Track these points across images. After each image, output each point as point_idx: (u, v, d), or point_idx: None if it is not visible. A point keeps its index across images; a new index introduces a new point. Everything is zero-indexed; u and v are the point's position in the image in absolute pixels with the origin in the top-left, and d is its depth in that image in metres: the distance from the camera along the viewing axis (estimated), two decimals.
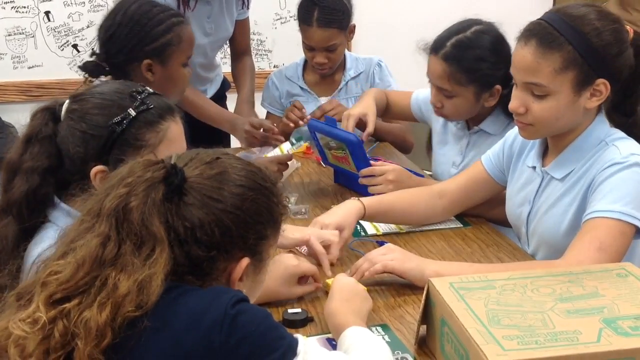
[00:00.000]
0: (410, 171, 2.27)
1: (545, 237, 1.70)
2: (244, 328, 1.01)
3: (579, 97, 1.56)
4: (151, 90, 1.45)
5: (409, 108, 2.50)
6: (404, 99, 2.52)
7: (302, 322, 1.44)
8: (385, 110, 2.54)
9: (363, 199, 1.84)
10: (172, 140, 1.42)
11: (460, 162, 2.25)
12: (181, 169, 1.10)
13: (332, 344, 1.34)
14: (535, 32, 1.56)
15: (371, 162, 2.15)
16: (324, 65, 2.71)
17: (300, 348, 1.06)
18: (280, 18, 4.01)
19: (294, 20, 3.97)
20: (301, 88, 2.83)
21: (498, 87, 2.09)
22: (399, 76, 2.87)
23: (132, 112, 1.38)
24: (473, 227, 1.93)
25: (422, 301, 1.32)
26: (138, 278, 1.00)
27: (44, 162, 1.39)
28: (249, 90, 2.84)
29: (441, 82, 2.10)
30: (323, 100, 2.81)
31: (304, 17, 2.65)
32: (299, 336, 1.10)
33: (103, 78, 2.01)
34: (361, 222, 1.96)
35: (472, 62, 2.06)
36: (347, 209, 1.79)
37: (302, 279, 1.56)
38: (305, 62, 2.81)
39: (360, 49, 2.86)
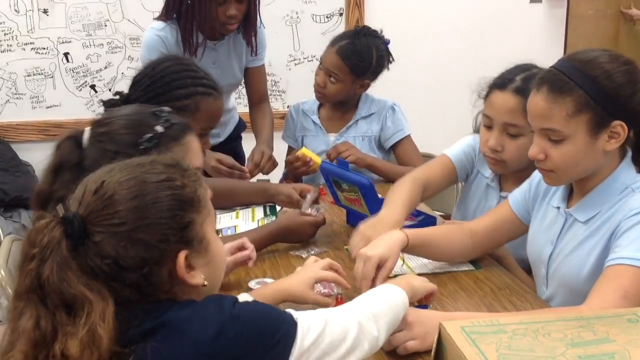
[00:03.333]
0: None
1: (566, 279, 1.69)
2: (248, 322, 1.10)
3: (596, 140, 1.58)
4: (168, 108, 1.54)
5: (453, 169, 2.25)
6: (440, 166, 2.25)
7: None
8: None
9: (406, 230, 1.81)
10: (194, 151, 1.53)
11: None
12: (75, 213, 1.07)
13: None
14: (546, 80, 1.59)
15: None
16: (320, 90, 2.73)
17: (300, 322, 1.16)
18: (295, 59, 4.08)
19: (308, 61, 4.06)
20: (314, 123, 2.87)
21: None
22: (412, 119, 2.89)
23: (160, 129, 1.46)
24: (485, 270, 1.93)
25: (434, 345, 1.32)
26: (83, 337, 1.01)
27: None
28: (268, 134, 2.83)
29: (511, 116, 1.97)
30: (331, 136, 2.84)
31: (334, 40, 2.73)
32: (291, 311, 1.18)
33: None
34: None
35: None
36: (391, 239, 1.75)
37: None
38: None
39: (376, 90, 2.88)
